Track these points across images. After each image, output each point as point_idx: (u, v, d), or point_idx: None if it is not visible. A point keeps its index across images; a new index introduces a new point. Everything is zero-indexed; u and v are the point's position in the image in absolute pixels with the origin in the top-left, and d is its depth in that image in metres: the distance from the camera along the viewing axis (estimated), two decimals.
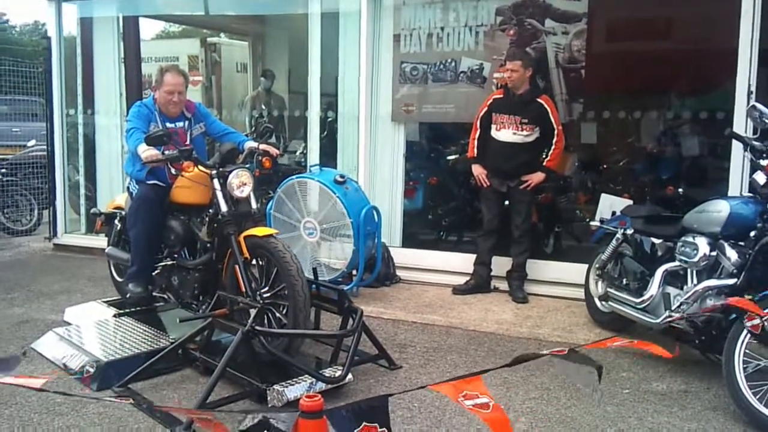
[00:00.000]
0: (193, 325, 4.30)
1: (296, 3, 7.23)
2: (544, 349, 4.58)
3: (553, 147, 5.76)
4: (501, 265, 6.04)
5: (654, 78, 7.08)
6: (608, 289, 4.95)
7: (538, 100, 5.73)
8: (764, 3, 5.15)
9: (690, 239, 4.24)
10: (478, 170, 5.94)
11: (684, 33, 7.19)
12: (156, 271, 4.91)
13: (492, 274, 6.07)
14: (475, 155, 5.96)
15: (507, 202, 5.99)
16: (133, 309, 5.08)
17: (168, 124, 4.81)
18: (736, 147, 5.11)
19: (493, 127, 5.86)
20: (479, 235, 6.12)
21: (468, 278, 6.08)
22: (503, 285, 6.01)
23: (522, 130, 5.74)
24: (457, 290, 6.04)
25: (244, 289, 4.21)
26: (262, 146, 4.82)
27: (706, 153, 6.92)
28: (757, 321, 3.47)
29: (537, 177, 5.78)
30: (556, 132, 5.73)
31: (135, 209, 4.85)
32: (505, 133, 5.78)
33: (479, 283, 6.05)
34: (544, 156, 5.85)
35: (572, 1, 6.01)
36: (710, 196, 4.43)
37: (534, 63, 5.90)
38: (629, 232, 4.85)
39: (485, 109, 5.88)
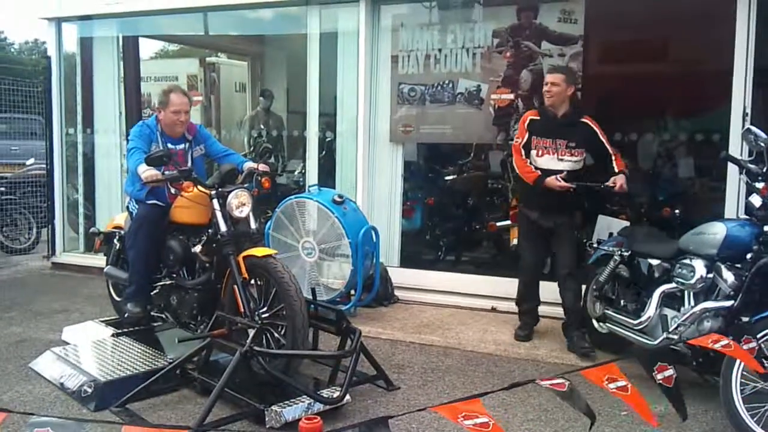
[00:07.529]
0: (191, 345, 4.31)
1: (295, 23, 7.28)
2: (542, 370, 4.63)
3: (614, 158, 5.05)
4: (497, 284, 6.06)
5: (650, 100, 7.13)
6: (606, 311, 4.96)
7: (583, 120, 5.11)
8: (758, 26, 5.21)
9: (687, 261, 4.26)
10: (552, 181, 4.95)
11: (679, 55, 7.27)
12: (154, 291, 4.92)
13: (491, 294, 6.04)
14: (539, 174, 5.01)
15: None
16: (131, 329, 5.08)
17: (169, 145, 4.82)
18: (732, 169, 5.15)
19: (533, 152, 5.12)
20: (523, 284, 5.40)
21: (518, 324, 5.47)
22: (502, 306, 6.01)
23: (572, 155, 5.04)
24: (519, 336, 5.36)
25: (242, 310, 4.22)
26: (261, 166, 4.84)
27: (703, 175, 6.96)
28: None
29: (620, 179, 4.95)
30: (612, 154, 5.05)
31: (134, 229, 4.86)
32: (548, 159, 5.06)
33: (533, 321, 5.47)
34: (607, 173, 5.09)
35: (568, 23, 6.08)
36: (707, 218, 4.46)
37: (577, 81, 5.44)
38: (626, 253, 4.87)
39: (526, 135, 5.09)
